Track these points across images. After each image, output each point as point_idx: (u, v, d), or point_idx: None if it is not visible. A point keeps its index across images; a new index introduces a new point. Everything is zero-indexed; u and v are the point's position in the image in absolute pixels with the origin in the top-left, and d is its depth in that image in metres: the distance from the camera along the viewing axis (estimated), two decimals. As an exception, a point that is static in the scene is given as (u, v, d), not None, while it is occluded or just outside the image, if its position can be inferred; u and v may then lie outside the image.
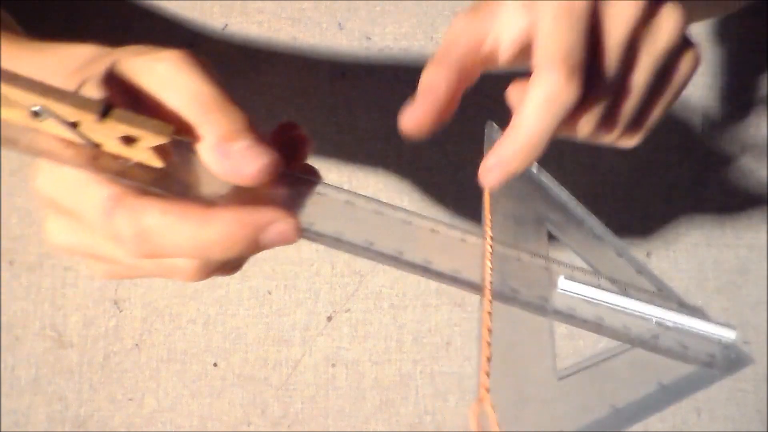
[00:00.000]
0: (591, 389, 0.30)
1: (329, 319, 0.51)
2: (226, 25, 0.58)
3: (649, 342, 0.30)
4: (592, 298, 0.30)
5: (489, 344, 0.27)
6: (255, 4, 0.59)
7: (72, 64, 0.28)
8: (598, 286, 0.30)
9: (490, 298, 0.28)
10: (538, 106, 0.28)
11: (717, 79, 0.51)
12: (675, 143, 0.55)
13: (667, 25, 0.29)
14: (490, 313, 0.28)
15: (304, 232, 0.28)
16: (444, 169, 0.53)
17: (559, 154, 0.54)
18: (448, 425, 0.49)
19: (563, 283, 0.30)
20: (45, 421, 0.50)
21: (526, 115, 0.28)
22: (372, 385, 0.50)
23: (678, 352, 0.30)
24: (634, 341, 0.30)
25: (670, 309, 0.30)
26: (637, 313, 0.30)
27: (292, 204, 0.29)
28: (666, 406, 0.29)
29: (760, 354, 0.50)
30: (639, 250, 0.52)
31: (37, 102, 0.23)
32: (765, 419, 0.49)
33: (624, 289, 0.31)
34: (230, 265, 0.30)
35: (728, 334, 0.30)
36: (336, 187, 0.30)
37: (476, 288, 0.29)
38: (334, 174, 0.54)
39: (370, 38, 0.57)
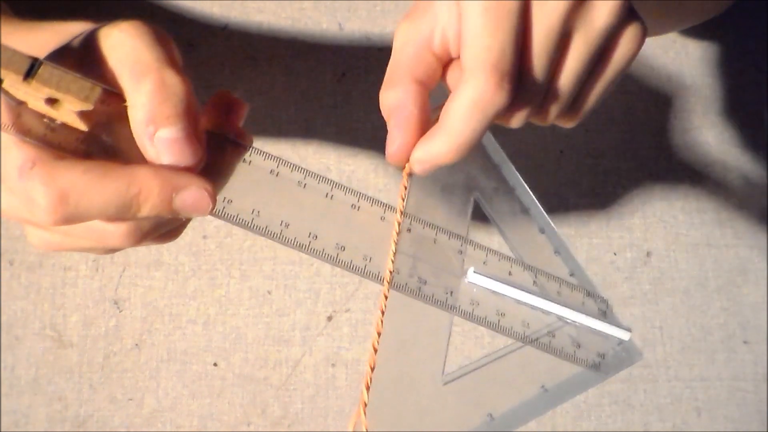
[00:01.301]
0: (472, 395, 0.30)
1: (329, 319, 0.51)
2: (226, 25, 0.58)
3: (544, 340, 0.30)
4: (499, 292, 0.30)
5: (375, 351, 0.26)
6: (255, 4, 0.59)
7: (64, 40, 0.28)
8: (508, 278, 0.30)
9: (386, 293, 0.28)
10: (466, 110, 0.27)
11: (716, 79, 0.51)
12: (675, 143, 0.55)
13: (601, 4, 0.28)
14: (383, 312, 0.27)
15: (219, 211, 0.27)
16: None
17: (559, 154, 0.54)
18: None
19: (472, 276, 0.30)
20: (45, 421, 0.50)
21: (455, 117, 0.28)
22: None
23: (569, 353, 0.30)
24: (529, 340, 0.30)
25: (573, 307, 0.30)
26: (540, 309, 0.30)
27: (218, 170, 0.28)
28: (546, 411, 0.29)
29: (760, 354, 0.50)
30: (639, 250, 0.52)
31: None
32: (765, 419, 0.49)
33: (534, 276, 0.31)
34: (160, 231, 0.29)
35: (623, 336, 0.30)
36: (264, 153, 0.29)
37: (381, 279, 0.28)
38: (333, 174, 0.54)
39: (370, 38, 0.57)
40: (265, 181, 0.29)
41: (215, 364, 0.50)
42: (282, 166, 0.29)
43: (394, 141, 0.28)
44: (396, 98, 0.29)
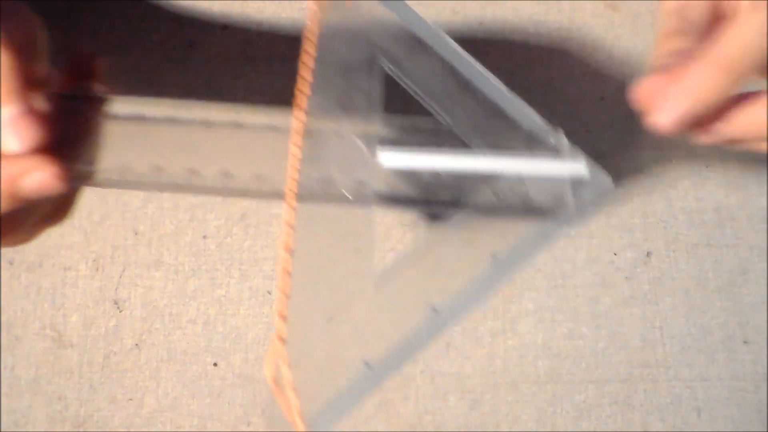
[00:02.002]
0: (411, 291, 0.25)
1: (329, 319, 0.51)
2: (226, 25, 0.58)
3: (487, 204, 0.25)
4: (419, 168, 0.25)
5: (288, 273, 0.23)
6: (255, 4, 0.59)
7: None
8: (429, 146, 0.25)
9: (293, 204, 0.24)
10: (755, 37, 0.22)
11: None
12: (675, 143, 0.55)
13: None
14: (291, 225, 0.24)
15: (82, 178, 0.25)
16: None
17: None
18: (448, 425, 0.49)
19: (384, 158, 0.25)
20: (45, 421, 0.49)
21: (740, 36, 0.22)
22: (372, 385, 0.50)
23: (518, 208, 0.25)
24: (470, 207, 0.25)
25: (511, 156, 0.25)
26: (473, 171, 0.25)
27: (78, 135, 0.26)
28: (501, 283, 0.25)
29: (761, 354, 0.50)
30: (639, 250, 0.52)
31: None
32: (765, 419, 0.48)
33: (463, 138, 0.26)
34: (35, 217, 0.28)
35: (578, 170, 0.25)
36: (125, 100, 0.26)
37: (282, 193, 0.25)
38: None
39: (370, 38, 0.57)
40: (131, 129, 0.26)
41: (215, 364, 0.50)
42: (146, 107, 0.26)
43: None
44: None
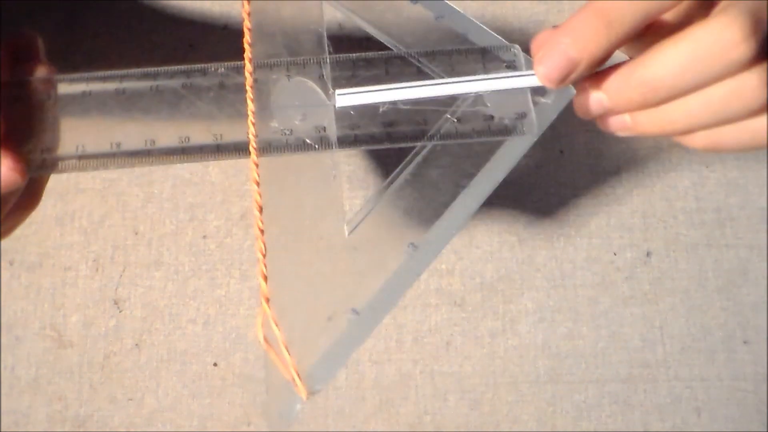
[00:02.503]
0: (385, 232, 0.25)
1: (329, 319, 0.51)
2: (226, 25, 0.58)
3: (448, 130, 0.25)
4: (376, 102, 0.25)
5: (262, 232, 0.23)
6: (255, 4, 0.59)
7: None
8: (385, 80, 0.25)
9: (256, 160, 0.24)
10: (695, 54, 0.21)
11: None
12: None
13: None
14: (257, 182, 0.23)
15: (39, 167, 0.25)
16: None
17: (559, 154, 0.54)
18: (448, 425, 0.49)
19: (341, 100, 0.25)
20: (45, 421, 0.50)
21: (674, 50, 0.21)
22: (372, 385, 0.50)
23: (482, 130, 0.25)
24: (432, 137, 0.25)
25: (467, 77, 0.25)
26: (431, 97, 0.25)
27: (28, 122, 0.25)
28: (476, 206, 0.25)
29: (760, 354, 0.50)
30: (639, 250, 0.52)
31: None
32: (765, 419, 0.48)
33: (417, 62, 0.26)
34: (4, 210, 0.27)
35: (535, 78, 0.24)
36: (71, 77, 0.26)
37: (243, 149, 0.24)
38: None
39: (370, 39, 0.57)
40: (82, 107, 0.25)
41: (215, 364, 0.50)
42: (93, 83, 0.26)
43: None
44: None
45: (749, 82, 0.22)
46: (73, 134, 0.25)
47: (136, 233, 0.53)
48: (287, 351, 0.22)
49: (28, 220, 0.53)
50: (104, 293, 0.52)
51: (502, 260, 0.52)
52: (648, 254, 0.52)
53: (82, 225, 0.53)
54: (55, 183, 0.53)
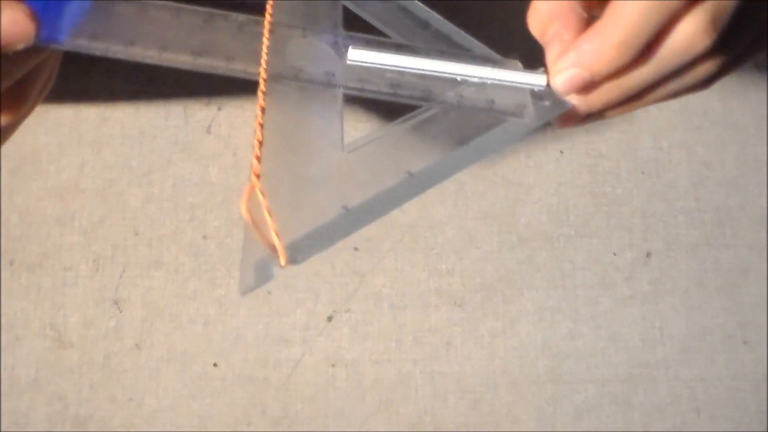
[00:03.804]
0: (383, 158, 0.26)
1: (329, 319, 0.51)
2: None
3: (452, 100, 0.27)
4: (386, 65, 0.27)
5: (261, 125, 0.24)
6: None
7: None
8: (394, 50, 0.27)
9: (264, 76, 0.25)
10: (643, 8, 0.23)
11: (717, 79, 0.51)
12: (675, 143, 0.55)
13: None
14: (264, 92, 0.25)
15: (61, 40, 0.25)
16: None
17: (559, 154, 0.54)
18: (448, 425, 0.49)
19: (353, 54, 0.27)
20: (45, 421, 0.50)
21: (623, 14, 0.24)
22: (372, 385, 0.50)
23: (484, 107, 0.27)
24: (437, 102, 0.27)
25: (475, 64, 0.27)
26: (439, 74, 0.27)
27: None
28: (470, 164, 0.26)
29: (760, 354, 0.50)
30: (639, 250, 0.52)
31: None
32: (765, 419, 0.49)
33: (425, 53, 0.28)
34: (35, 87, 0.27)
35: (539, 81, 0.27)
36: None
37: (252, 72, 0.26)
38: (334, 174, 0.54)
39: (370, 39, 0.57)
40: (102, 14, 0.27)
41: (215, 365, 0.50)
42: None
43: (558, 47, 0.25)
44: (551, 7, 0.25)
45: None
46: (91, 26, 0.26)
47: (136, 233, 0.53)
48: (270, 216, 0.22)
49: (28, 220, 0.53)
50: (104, 293, 0.52)
51: (502, 260, 0.52)
52: (648, 254, 0.52)
53: (82, 225, 0.53)
54: (55, 183, 0.53)
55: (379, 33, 0.29)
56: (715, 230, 0.52)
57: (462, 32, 0.30)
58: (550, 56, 0.27)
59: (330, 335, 0.51)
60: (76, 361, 0.51)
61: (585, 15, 0.26)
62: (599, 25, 0.25)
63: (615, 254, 0.52)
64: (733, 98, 0.55)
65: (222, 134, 0.55)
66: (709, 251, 0.52)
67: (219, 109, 0.56)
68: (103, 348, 0.51)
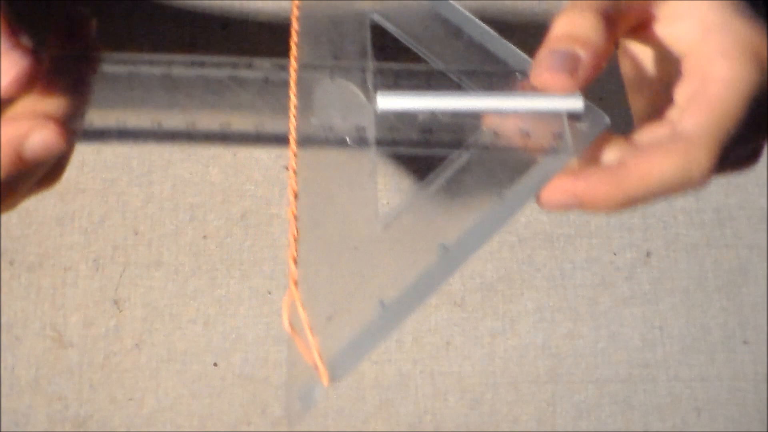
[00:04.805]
0: (417, 231, 0.25)
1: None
2: (226, 25, 0.58)
3: (486, 143, 0.25)
4: (417, 109, 0.26)
5: (296, 216, 0.23)
6: (255, 5, 0.59)
7: None
8: (426, 89, 0.26)
9: (294, 149, 0.24)
10: (661, 184, 0.24)
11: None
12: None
13: None
14: (295, 171, 0.24)
15: (79, 134, 0.26)
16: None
17: (559, 154, 0.54)
18: (448, 425, 0.49)
19: (382, 102, 0.25)
20: (45, 421, 0.50)
21: (642, 182, 0.24)
22: (372, 385, 0.50)
23: (519, 146, 0.26)
24: (470, 147, 0.26)
25: (507, 94, 0.26)
26: (471, 110, 0.26)
27: (74, 95, 0.26)
28: (507, 220, 0.25)
29: (760, 354, 0.50)
30: (639, 250, 0.52)
31: None
32: (765, 419, 0.49)
33: (457, 78, 0.27)
34: (31, 180, 0.27)
35: (575, 105, 0.26)
36: (119, 58, 0.27)
37: (283, 139, 0.25)
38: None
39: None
40: (127, 85, 0.26)
41: (215, 364, 0.50)
42: (141, 65, 0.27)
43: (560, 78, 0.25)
44: (598, 40, 0.24)
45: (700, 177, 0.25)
46: (115, 110, 0.26)
47: (136, 233, 0.53)
48: (311, 335, 0.22)
49: (28, 220, 0.53)
50: (104, 293, 0.52)
51: (502, 260, 0.52)
52: (648, 254, 0.52)
53: (82, 225, 0.53)
54: (55, 183, 0.53)
55: (407, 50, 0.28)
56: (715, 230, 0.52)
57: (496, 36, 0.29)
58: (551, 59, 0.26)
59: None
60: (76, 361, 0.51)
61: (607, 46, 0.25)
62: (620, 173, 0.24)
63: (615, 254, 0.52)
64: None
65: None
66: (709, 251, 0.52)
67: (219, 109, 0.56)
68: (103, 348, 0.51)
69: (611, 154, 0.26)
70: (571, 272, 0.52)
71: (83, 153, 0.54)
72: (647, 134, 0.26)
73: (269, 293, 0.52)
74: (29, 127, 0.24)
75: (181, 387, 0.50)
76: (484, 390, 0.49)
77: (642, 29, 0.27)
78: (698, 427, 0.48)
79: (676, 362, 0.50)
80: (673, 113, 0.26)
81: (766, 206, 0.53)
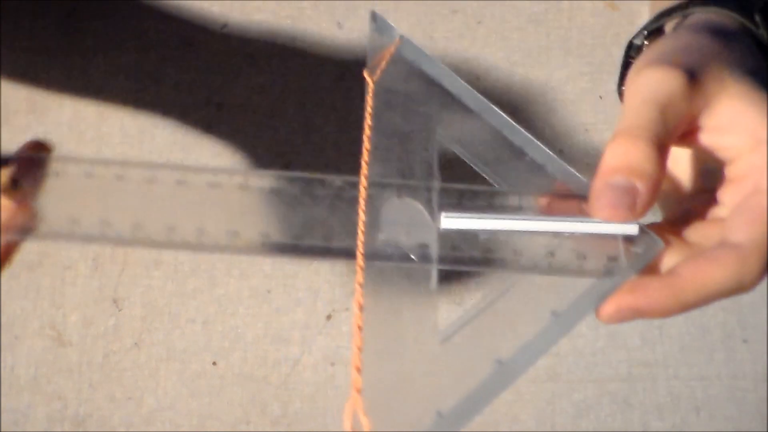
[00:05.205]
0: (474, 346, 0.26)
1: (328, 317, 0.51)
2: (226, 24, 0.58)
3: (543, 263, 0.27)
4: (479, 229, 0.27)
5: (361, 328, 0.24)
6: (255, 4, 0.59)
7: None
8: (487, 210, 0.28)
9: (362, 264, 0.26)
10: (715, 293, 0.26)
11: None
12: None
13: None
14: (361, 284, 0.25)
15: (29, 231, 0.27)
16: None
17: (559, 154, 0.54)
18: (447, 424, 0.49)
19: (446, 222, 0.27)
20: (44, 420, 0.50)
21: (697, 291, 0.26)
22: (371, 384, 0.50)
23: (575, 269, 0.27)
24: (527, 268, 0.27)
25: (565, 218, 0.27)
26: (530, 231, 0.27)
27: (26, 195, 0.27)
28: (560, 338, 0.26)
29: (760, 353, 0.50)
30: (638, 249, 0.52)
31: None
32: (765, 419, 0.49)
33: (519, 200, 0.29)
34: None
35: (631, 230, 0.27)
36: (72, 159, 0.27)
37: (351, 254, 0.26)
38: (334, 172, 0.54)
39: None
40: (81, 186, 0.27)
41: (214, 363, 0.50)
42: (97, 166, 0.27)
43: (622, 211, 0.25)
44: (652, 172, 0.25)
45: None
46: (70, 208, 0.27)
47: (136, 232, 0.53)
48: None
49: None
50: (104, 292, 0.52)
51: (502, 259, 0.52)
52: (647, 253, 0.52)
53: (81, 224, 0.53)
54: (54, 182, 0.53)
55: (472, 170, 0.30)
56: (715, 229, 0.52)
57: (557, 159, 0.30)
58: (611, 195, 0.26)
59: (329, 334, 0.51)
60: (76, 360, 0.51)
61: (661, 174, 0.26)
62: (676, 284, 0.26)
63: (614, 253, 0.52)
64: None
65: (222, 134, 0.55)
66: (709, 250, 0.52)
67: (219, 109, 0.56)
68: (103, 347, 0.51)
69: (667, 258, 0.27)
70: (570, 271, 0.52)
71: (83, 152, 0.54)
72: (698, 234, 0.28)
73: (268, 292, 0.52)
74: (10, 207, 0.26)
75: (180, 386, 0.50)
76: (484, 389, 0.50)
77: (687, 137, 0.27)
78: (698, 426, 0.48)
79: (676, 361, 0.50)
80: (718, 212, 0.28)
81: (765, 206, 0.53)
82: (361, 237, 0.26)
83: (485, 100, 0.30)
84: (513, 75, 0.56)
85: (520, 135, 0.30)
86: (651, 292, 0.25)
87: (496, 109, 0.30)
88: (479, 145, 0.30)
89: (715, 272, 0.25)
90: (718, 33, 0.28)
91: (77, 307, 0.52)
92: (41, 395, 0.50)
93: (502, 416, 0.49)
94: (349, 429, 0.23)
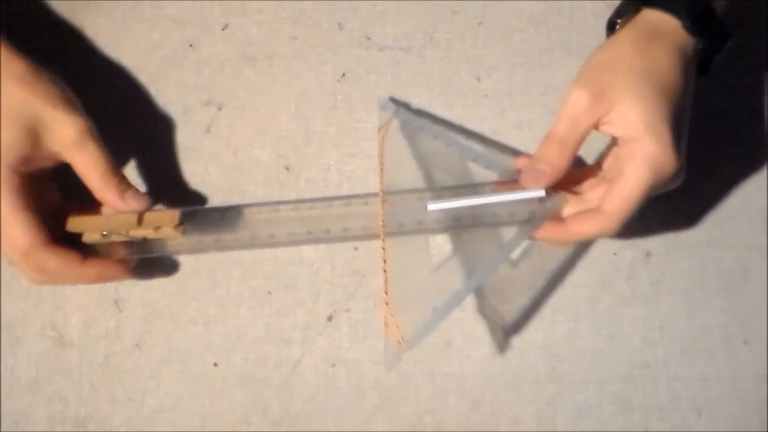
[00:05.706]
0: (453, 271, 0.49)
1: (329, 319, 0.51)
2: (226, 25, 0.58)
3: (491, 220, 0.45)
4: (455, 207, 0.45)
5: (385, 272, 0.43)
6: (255, 4, 0.59)
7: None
8: (460, 196, 0.45)
9: (384, 239, 0.45)
10: (590, 234, 0.43)
11: (716, 79, 0.51)
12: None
13: None
14: (384, 249, 0.44)
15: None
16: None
17: (559, 154, 0.54)
18: (448, 425, 0.49)
19: (432, 206, 0.45)
20: (45, 421, 0.50)
21: (579, 231, 0.43)
22: (372, 385, 0.50)
23: (510, 218, 0.45)
24: (482, 224, 0.45)
25: (503, 193, 0.45)
26: (482, 204, 0.45)
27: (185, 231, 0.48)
28: (504, 260, 0.50)
29: (761, 354, 0.50)
30: (639, 250, 0.52)
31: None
32: (765, 419, 0.49)
33: (476, 190, 0.46)
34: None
35: (540, 194, 0.44)
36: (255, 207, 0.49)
37: (375, 234, 0.45)
38: (334, 174, 0.54)
39: (370, 38, 0.57)
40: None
41: (215, 365, 0.50)
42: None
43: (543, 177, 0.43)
44: (559, 163, 0.43)
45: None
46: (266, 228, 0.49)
47: (136, 233, 0.53)
48: (396, 326, 0.41)
49: (28, 221, 0.52)
50: (104, 293, 0.52)
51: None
52: (648, 254, 0.52)
53: (82, 225, 0.53)
54: (55, 183, 0.53)
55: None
56: (715, 230, 0.52)
57: (504, 164, 0.47)
58: (531, 174, 0.44)
59: (330, 335, 0.51)
60: (77, 361, 0.51)
61: (565, 163, 0.43)
62: (564, 229, 0.44)
63: (615, 254, 0.52)
64: (732, 98, 0.55)
65: (222, 134, 0.55)
66: (709, 251, 0.52)
67: (219, 109, 0.56)
68: (104, 348, 0.51)
69: (567, 208, 0.45)
70: (571, 272, 0.52)
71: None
72: (590, 194, 0.45)
73: (269, 293, 0.52)
74: (114, 273, 0.48)
75: (181, 387, 0.50)
76: (485, 390, 0.49)
77: (599, 126, 0.43)
78: (698, 427, 0.48)
79: (677, 362, 0.50)
80: (602, 174, 0.47)
81: (766, 206, 0.53)
82: (381, 227, 0.45)
83: (454, 135, 0.53)
84: (514, 76, 0.56)
85: (478, 151, 0.49)
86: (552, 231, 0.44)
87: (462, 141, 0.51)
88: (451, 165, 0.49)
89: (588, 227, 0.43)
90: (647, 34, 0.43)
91: (78, 308, 0.52)
92: (42, 396, 0.50)
93: (503, 417, 0.49)
94: (383, 322, 0.42)
